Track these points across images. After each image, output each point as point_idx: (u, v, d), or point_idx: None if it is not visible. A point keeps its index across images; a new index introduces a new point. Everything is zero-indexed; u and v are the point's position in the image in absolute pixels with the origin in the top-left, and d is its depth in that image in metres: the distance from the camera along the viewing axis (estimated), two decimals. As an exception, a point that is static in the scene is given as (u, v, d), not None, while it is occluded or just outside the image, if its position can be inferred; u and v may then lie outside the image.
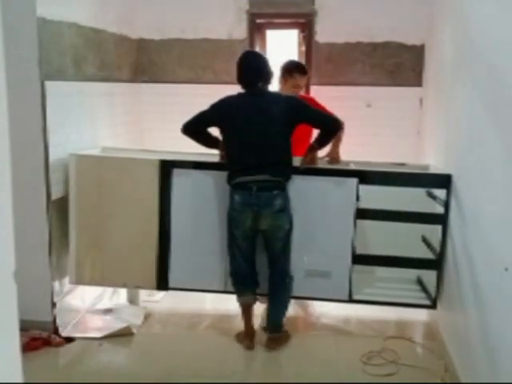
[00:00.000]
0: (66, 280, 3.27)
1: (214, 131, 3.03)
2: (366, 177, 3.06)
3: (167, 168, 3.14)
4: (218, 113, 2.92)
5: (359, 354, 2.98)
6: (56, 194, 3.10)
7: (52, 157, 3.01)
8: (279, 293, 3.07)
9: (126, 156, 3.31)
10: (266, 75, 2.92)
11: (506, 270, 1.92)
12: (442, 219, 3.08)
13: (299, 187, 3.06)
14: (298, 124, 2.91)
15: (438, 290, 3.16)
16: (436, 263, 3.14)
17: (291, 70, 3.46)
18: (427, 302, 3.26)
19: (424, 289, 3.40)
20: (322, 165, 3.19)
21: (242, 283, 3.08)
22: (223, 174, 2.97)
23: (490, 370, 2.15)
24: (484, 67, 2.44)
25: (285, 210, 2.89)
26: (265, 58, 2.99)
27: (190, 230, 3.21)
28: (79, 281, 3.31)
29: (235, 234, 2.94)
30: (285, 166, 2.91)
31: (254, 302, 3.14)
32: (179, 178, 3.14)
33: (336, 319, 3.51)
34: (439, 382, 2.72)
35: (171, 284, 3.28)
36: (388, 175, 3.13)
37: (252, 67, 2.90)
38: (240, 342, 3.12)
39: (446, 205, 3.04)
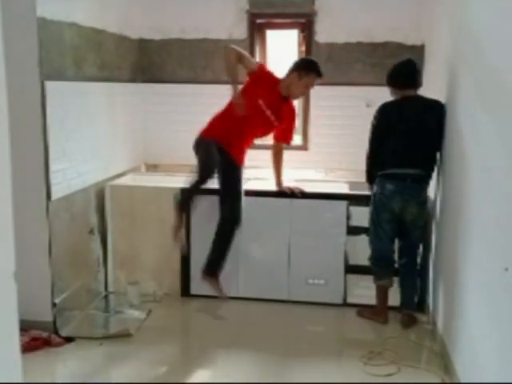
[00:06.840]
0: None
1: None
2: (354, 199, 3.55)
3: (186, 194, 3.56)
4: (383, 118, 3.27)
5: (359, 354, 2.98)
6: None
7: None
8: (409, 276, 3.37)
9: (153, 185, 3.82)
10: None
11: (506, 269, 1.92)
12: None
13: (300, 209, 3.57)
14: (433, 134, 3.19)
15: (422, 295, 3.49)
16: (418, 272, 3.47)
17: (311, 69, 3.43)
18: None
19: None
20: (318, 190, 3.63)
21: (383, 266, 3.35)
22: None
23: (493, 371, 2.15)
24: (484, 67, 2.44)
25: (426, 201, 3.28)
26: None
27: (206, 245, 3.56)
28: (117, 289, 3.77)
29: (381, 217, 3.27)
30: (431, 162, 3.24)
31: (391, 285, 3.37)
32: (195, 201, 3.60)
33: (336, 319, 3.51)
34: (439, 382, 2.72)
35: (193, 291, 3.74)
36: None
37: (416, 72, 3.27)
38: (374, 319, 3.38)
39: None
